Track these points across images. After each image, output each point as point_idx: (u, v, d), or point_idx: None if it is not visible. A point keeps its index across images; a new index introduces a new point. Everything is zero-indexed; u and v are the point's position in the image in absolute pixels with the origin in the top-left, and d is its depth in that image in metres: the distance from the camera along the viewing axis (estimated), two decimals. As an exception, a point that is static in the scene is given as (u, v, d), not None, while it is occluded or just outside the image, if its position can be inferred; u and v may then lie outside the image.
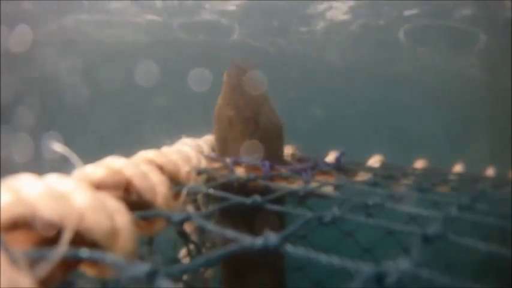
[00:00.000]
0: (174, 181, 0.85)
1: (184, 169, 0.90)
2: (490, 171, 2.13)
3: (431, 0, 6.68)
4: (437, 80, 7.71)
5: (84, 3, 6.79)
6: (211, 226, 0.60)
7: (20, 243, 0.45)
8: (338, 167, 1.42)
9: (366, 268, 0.42)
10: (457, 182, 1.58)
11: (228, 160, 1.25)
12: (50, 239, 0.46)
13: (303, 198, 1.05)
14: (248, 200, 0.75)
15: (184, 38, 7.66)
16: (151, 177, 0.70)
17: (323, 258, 0.45)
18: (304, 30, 7.62)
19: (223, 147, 1.36)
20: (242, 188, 1.01)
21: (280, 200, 0.84)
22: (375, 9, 7.01)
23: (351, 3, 6.99)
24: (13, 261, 0.38)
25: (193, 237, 1.51)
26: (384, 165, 1.86)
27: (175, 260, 1.47)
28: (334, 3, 6.96)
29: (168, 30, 7.55)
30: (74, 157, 0.60)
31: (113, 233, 0.51)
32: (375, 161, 1.89)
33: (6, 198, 0.47)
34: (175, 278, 0.41)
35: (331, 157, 1.70)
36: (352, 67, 8.00)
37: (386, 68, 7.80)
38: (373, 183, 1.15)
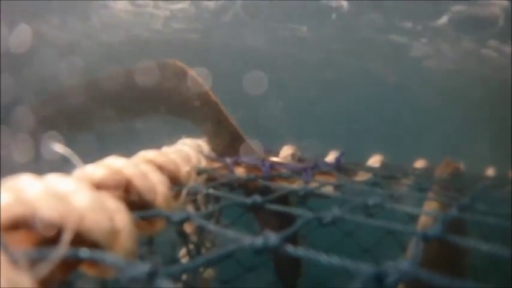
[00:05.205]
0: (174, 181, 0.85)
1: (184, 169, 0.90)
2: (490, 171, 2.13)
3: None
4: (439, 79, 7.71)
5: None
6: (211, 226, 0.60)
7: (20, 243, 0.45)
8: (338, 167, 1.42)
9: (366, 268, 0.42)
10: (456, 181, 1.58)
11: (228, 160, 1.25)
12: (50, 239, 0.46)
13: (303, 198, 1.05)
14: (248, 200, 0.75)
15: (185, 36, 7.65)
16: (151, 177, 0.70)
17: (323, 258, 0.45)
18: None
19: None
20: (242, 188, 1.01)
21: (281, 200, 0.84)
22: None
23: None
24: (13, 261, 0.38)
25: (193, 237, 1.51)
26: (383, 165, 1.86)
27: (175, 260, 1.47)
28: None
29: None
30: (74, 157, 0.60)
31: (113, 233, 0.51)
32: (374, 161, 1.89)
33: (6, 198, 0.47)
34: (175, 278, 0.41)
35: (331, 157, 1.71)
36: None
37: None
38: (373, 183, 1.15)
